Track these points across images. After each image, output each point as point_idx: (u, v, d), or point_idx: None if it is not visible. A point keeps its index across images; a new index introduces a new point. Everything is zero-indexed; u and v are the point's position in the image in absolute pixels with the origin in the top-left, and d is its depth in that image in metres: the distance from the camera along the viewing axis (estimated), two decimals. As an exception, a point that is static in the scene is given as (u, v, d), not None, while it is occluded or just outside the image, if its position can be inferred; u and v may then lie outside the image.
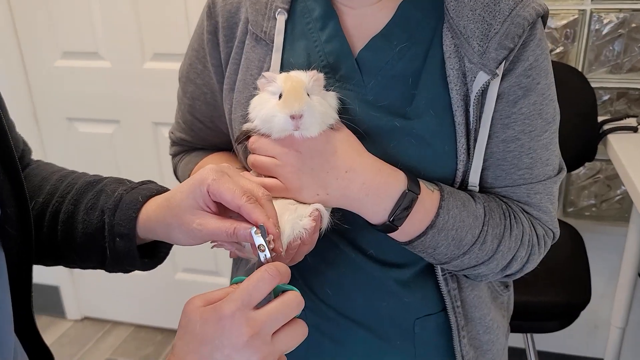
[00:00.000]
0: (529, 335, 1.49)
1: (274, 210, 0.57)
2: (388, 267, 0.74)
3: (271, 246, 0.54)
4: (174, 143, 0.91)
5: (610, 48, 1.62)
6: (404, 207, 0.64)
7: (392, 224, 0.65)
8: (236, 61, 0.75)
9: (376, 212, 0.65)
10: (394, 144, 0.68)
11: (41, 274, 2.29)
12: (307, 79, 0.63)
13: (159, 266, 0.70)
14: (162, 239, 0.63)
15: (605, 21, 1.61)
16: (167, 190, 0.66)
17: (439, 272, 0.74)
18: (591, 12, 1.61)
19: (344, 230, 0.70)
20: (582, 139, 1.52)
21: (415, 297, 0.76)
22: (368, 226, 0.68)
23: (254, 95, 0.68)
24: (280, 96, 0.62)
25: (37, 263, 0.68)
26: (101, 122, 2.00)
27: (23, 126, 2.01)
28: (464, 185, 0.71)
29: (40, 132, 2.09)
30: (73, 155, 2.07)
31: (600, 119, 1.57)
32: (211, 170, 0.57)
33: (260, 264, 0.53)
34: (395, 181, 0.65)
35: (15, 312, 0.57)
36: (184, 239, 0.59)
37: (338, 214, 0.68)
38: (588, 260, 1.50)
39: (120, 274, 0.69)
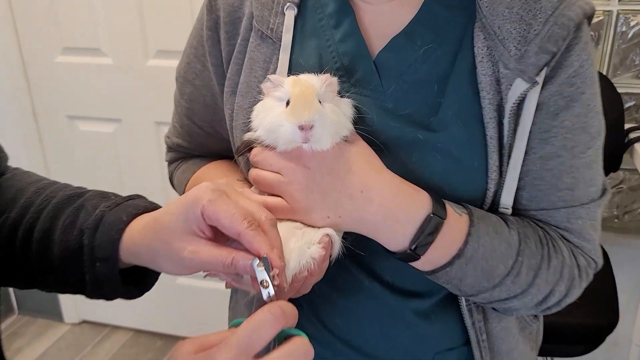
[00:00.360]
0: (548, 359, 1.41)
1: (279, 238, 0.50)
2: (406, 296, 0.67)
3: (275, 282, 0.46)
4: (170, 149, 0.84)
5: (637, 52, 1.53)
6: (427, 233, 0.57)
7: (414, 252, 0.57)
8: (239, 61, 0.68)
9: (395, 238, 0.58)
10: (416, 159, 0.61)
11: (39, 276, 2.23)
12: (319, 83, 0.56)
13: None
14: (148, 265, 0.55)
15: (632, 23, 1.52)
16: (156, 207, 0.58)
17: (463, 303, 0.67)
18: (618, 14, 1.52)
19: (357, 254, 0.63)
20: (607, 148, 1.43)
21: (436, 329, 0.68)
22: (385, 252, 0.60)
23: (258, 100, 0.61)
24: (287, 103, 0.55)
25: (7, 285, 0.61)
26: (102, 121, 1.96)
27: (21, 124, 1.99)
28: (494, 207, 0.63)
29: (39, 130, 2.04)
30: (73, 155, 2.04)
31: (626, 126, 1.48)
32: (207, 189, 0.50)
33: (261, 302, 0.45)
34: (418, 203, 0.57)
35: None
36: (172, 267, 0.52)
37: (351, 236, 0.60)
38: (614, 276, 1.41)
39: None
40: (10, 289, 2.29)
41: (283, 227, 0.55)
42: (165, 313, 2.15)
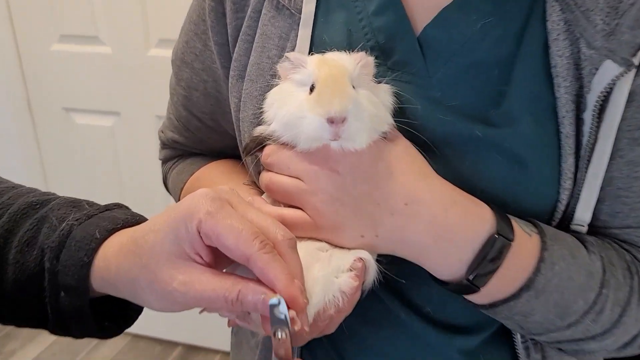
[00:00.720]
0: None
1: (300, 265, 0.39)
2: (450, 332, 0.55)
3: (296, 327, 0.34)
4: (164, 145, 0.73)
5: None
6: (490, 258, 0.45)
7: (471, 283, 0.45)
8: (248, 38, 0.56)
9: (448, 264, 0.46)
10: (470, 162, 0.49)
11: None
12: (352, 64, 0.44)
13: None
14: (127, 298, 0.43)
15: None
16: (140, 220, 0.46)
17: (518, 339, 0.55)
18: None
19: (390, 279, 0.51)
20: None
21: None
22: (429, 279, 0.48)
23: (272, 86, 0.49)
24: (312, 88, 0.43)
25: None
26: (100, 114, 1.90)
27: (16, 117, 1.95)
28: (564, 224, 0.51)
29: (34, 123, 1.99)
30: (69, 150, 1.98)
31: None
32: (205, 197, 0.39)
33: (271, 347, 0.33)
34: (477, 219, 0.46)
35: None
36: (157, 302, 0.40)
37: (386, 258, 0.48)
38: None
39: None
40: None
41: (303, 248, 0.44)
42: (164, 318, 2.08)
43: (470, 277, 0.45)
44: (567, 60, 0.48)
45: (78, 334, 0.47)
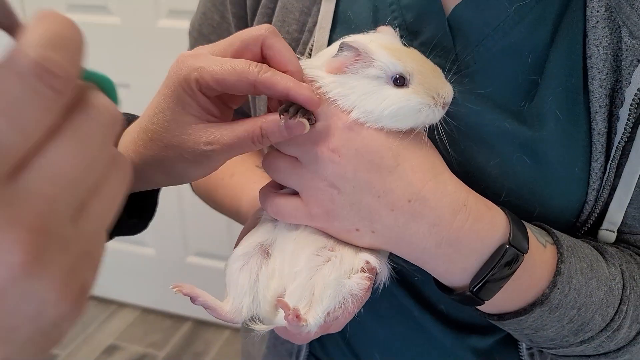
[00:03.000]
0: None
1: (292, 54, 0.40)
2: (465, 332, 0.52)
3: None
4: None
5: None
6: (497, 272, 0.41)
7: (475, 295, 0.42)
8: (268, 11, 0.53)
9: (449, 272, 0.42)
10: (497, 159, 0.45)
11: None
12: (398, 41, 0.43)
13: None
14: (160, 182, 0.46)
15: None
16: (132, 117, 0.48)
17: (524, 347, 0.52)
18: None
19: (404, 275, 0.48)
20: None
21: None
22: (435, 284, 0.45)
23: None
24: (399, 80, 0.40)
25: None
26: None
27: None
28: (585, 227, 0.48)
29: None
30: None
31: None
32: (184, 61, 0.40)
33: None
34: (488, 226, 0.42)
35: None
36: (195, 170, 0.42)
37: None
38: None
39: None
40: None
41: (308, 245, 0.41)
42: (174, 292, 2.07)
43: (474, 289, 0.41)
44: (604, 51, 0.44)
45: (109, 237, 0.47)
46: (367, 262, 0.41)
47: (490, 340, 0.53)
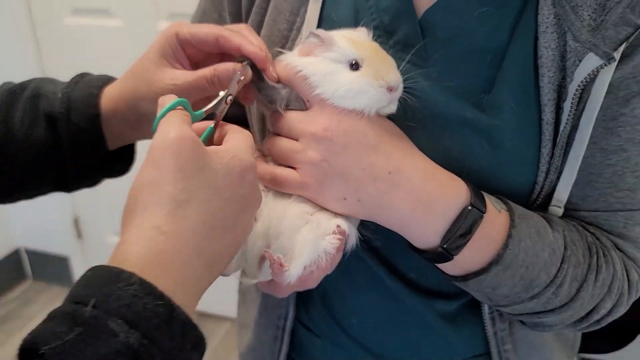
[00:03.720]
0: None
1: (260, 40, 0.50)
2: (431, 297, 0.59)
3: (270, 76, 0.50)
4: None
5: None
6: (462, 230, 0.48)
7: (446, 251, 0.49)
8: (261, 11, 0.59)
9: (424, 232, 0.49)
10: (459, 142, 0.52)
11: (50, 244, 2.23)
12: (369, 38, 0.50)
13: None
14: (130, 118, 0.55)
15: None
16: (114, 78, 0.59)
17: (485, 310, 0.58)
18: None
19: (377, 247, 0.54)
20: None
21: (462, 335, 0.60)
22: (409, 248, 0.52)
23: (277, 55, 0.52)
24: (354, 65, 0.47)
25: None
26: None
27: None
28: (536, 204, 0.54)
29: None
30: None
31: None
32: (170, 26, 0.52)
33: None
34: (453, 192, 0.49)
35: None
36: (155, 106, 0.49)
37: (371, 226, 0.52)
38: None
39: None
40: (25, 256, 2.28)
41: (293, 210, 0.48)
42: None
43: (445, 246, 0.49)
44: (552, 52, 0.50)
45: (94, 181, 0.58)
46: (339, 226, 0.48)
47: (455, 305, 0.59)
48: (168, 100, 0.41)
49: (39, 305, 2.19)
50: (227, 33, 0.49)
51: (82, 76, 0.58)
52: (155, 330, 0.30)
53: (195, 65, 0.53)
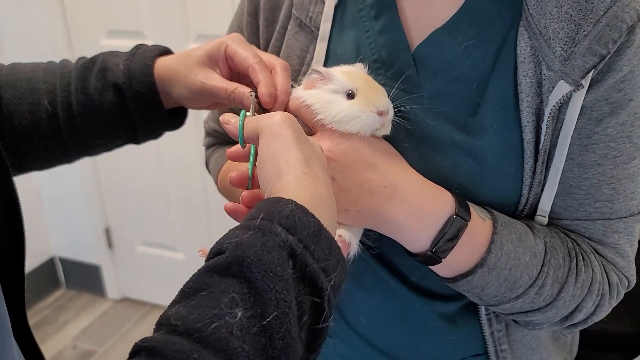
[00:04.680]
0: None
1: (287, 82, 0.57)
2: (432, 299, 0.64)
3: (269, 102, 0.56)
4: (207, 134, 0.83)
5: None
6: (449, 236, 0.54)
7: (435, 255, 0.55)
8: (276, 48, 0.67)
9: (416, 238, 0.55)
10: (449, 161, 0.58)
11: (82, 253, 2.32)
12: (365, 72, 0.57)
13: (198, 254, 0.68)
14: (166, 91, 0.65)
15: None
16: (167, 49, 0.69)
17: (483, 311, 0.64)
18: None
19: (381, 253, 0.60)
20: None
21: (461, 335, 0.65)
22: (407, 253, 0.58)
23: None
24: (350, 94, 0.54)
25: (60, 163, 0.71)
26: None
27: None
28: (523, 214, 0.60)
29: None
30: None
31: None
32: (232, 36, 0.60)
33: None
34: (440, 203, 0.55)
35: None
36: (184, 92, 0.62)
37: (374, 235, 0.58)
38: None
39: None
40: (59, 264, 2.38)
41: None
42: (199, 255, 2.17)
43: (433, 250, 0.54)
44: (530, 80, 0.56)
45: (159, 132, 0.70)
46: (340, 236, 0.54)
47: (454, 306, 0.64)
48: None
49: (72, 312, 2.27)
50: (257, 67, 0.56)
51: (137, 48, 0.69)
52: (308, 238, 0.40)
53: (237, 74, 0.62)
